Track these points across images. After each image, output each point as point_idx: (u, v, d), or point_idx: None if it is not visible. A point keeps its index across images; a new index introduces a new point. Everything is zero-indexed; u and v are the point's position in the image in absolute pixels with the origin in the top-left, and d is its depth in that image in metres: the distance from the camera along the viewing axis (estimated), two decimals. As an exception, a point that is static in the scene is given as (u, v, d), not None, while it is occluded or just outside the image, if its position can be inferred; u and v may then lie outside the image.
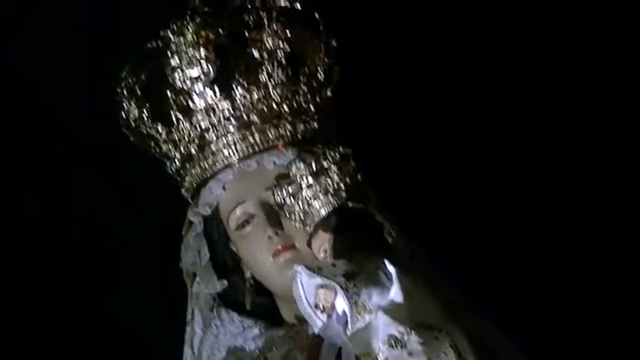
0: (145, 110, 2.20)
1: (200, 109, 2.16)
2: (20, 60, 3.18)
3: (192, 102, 2.16)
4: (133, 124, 2.23)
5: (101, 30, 2.94)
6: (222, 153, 2.18)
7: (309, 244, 2.16)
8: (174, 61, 2.16)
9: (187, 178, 2.23)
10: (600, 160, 3.23)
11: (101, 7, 3.00)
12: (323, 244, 2.14)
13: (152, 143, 2.23)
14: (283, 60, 2.16)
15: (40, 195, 3.24)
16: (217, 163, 2.19)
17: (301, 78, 2.20)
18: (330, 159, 2.13)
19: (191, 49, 2.15)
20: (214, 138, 2.17)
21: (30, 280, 3.32)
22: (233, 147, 2.18)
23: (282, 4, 2.20)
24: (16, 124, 3.20)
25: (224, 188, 2.20)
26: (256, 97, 2.16)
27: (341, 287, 2.02)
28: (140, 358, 3.11)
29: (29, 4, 3.18)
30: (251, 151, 2.17)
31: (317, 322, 2.08)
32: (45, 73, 3.15)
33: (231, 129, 2.16)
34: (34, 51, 3.15)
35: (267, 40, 2.16)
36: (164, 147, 2.22)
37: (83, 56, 3.06)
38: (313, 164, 2.13)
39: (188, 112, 2.17)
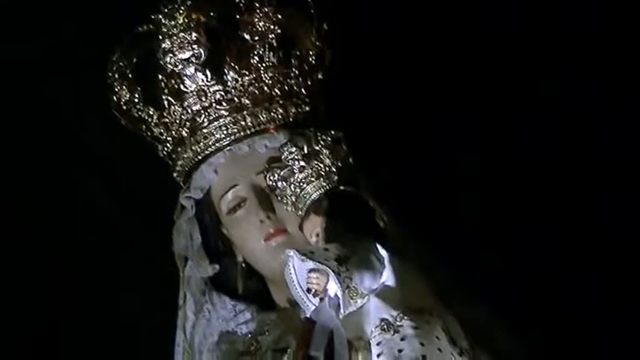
0: (136, 93, 2.22)
1: (191, 93, 2.18)
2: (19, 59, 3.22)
3: (184, 85, 2.18)
4: (124, 107, 2.25)
5: (97, 22, 2.94)
6: (214, 136, 2.20)
7: (300, 228, 2.16)
8: (166, 44, 2.17)
9: (179, 162, 2.25)
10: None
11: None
12: (315, 227, 2.14)
13: (144, 127, 2.24)
14: (274, 43, 2.18)
15: (41, 192, 3.21)
16: (209, 147, 2.20)
17: (293, 61, 2.21)
18: (322, 142, 2.14)
19: (182, 32, 2.16)
20: (206, 121, 2.19)
21: (31, 276, 3.27)
22: (225, 130, 2.19)
23: None
24: (15, 121, 3.16)
25: (216, 172, 2.22)
26: (248, 80, 2.17)
27: (333, 271, 2.02)
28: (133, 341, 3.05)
29: (28, 3, 3.20)
30: (242, 134, 2.18)
31: (309, 306, 2.09)
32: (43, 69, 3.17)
33: (223, 112, 2.17)
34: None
35: (259, 23, 2.18)
36: (155, 130, 2.24)
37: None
38: (305, 147, 2.14)
39: (179, 96, 2.19)
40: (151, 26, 2.22)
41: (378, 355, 2.04)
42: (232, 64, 2.18)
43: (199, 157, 2.23)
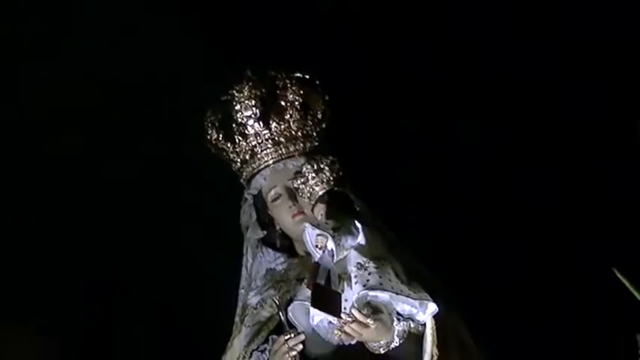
0: (220, 134, 2.95)
1: (251, 134, 2.92)
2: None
3: (247, 130, 2.92)
4: (214, 142, 2.96)
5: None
6: (264, 159, 2.93)
7: (312, 211, 2.85)
8: (237, 107, 2.91)
9: (244, 174, 2.98)
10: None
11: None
12: (320, 211, 2.83)
13: (224, 154, 2.97)
14: (298, 106, 2.91)
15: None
16: (260, 165, 2.94)
17: (308, 117, 2.94)
18: (324, 163, 2.83)
19: (246, 100, 2.91)
20: (259, 150, 2.92)
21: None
22: (269, 156, 2.93)
23: (298, 75, 2.94)
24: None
25: (264, 179, 2.94)
26: (283, 127, 2.91)
27: (331, 236, 2.77)
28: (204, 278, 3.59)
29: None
30: (279, 158, 2.91)
31: (317, 255, 2.79)
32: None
33: (269, 145, 2.92)
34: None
35: (289, 95, 2.92)
36: (231, 155, 2.96)
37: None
38: (315, 166, 2.83)
39: (244, 136, 2.92)
40: (229, 96, 2.94)
41: (355, 283, 2.73)
42: (274, 118, 2.91)
43: (255, 171, 2.96)
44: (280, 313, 2.84)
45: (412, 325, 2.74)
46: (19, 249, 3.72)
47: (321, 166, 2.83)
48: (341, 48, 3.70)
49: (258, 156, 2.96)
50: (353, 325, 2.65)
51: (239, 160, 2.99)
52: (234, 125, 2.93)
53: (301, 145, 2.96)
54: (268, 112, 2.91)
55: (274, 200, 2.96)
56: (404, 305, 2.75)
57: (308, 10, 3.69)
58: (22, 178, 3.65)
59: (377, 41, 3.74)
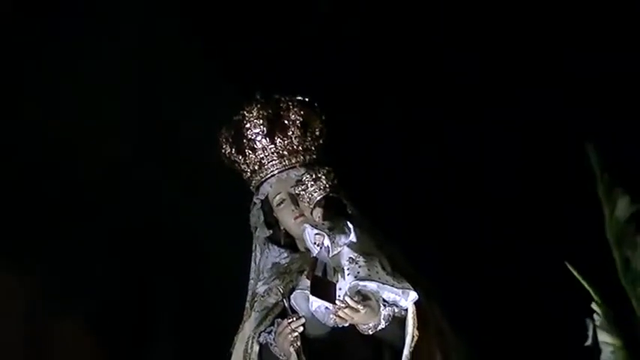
0: (233, 149, 3.20)
1: (259, 148, 3.17)
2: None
3: (255, 145, 3.17)
4: (227, 155, 3.22)
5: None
6: (270, 170, 3.18)
7: (311, 214, 3.10)
8: (247, 125, 3.17)
9: (253, 182, 3.23)
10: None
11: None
12: (318, 213, 3.09)
13: (236, 164, 3.21)
14: (299, 125, 3.17)
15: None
16: (267, 175, 3.19)
17: (308, 134, 3.19)
18: (321, 172, 3.09)
19: (255, 119, 3.16)
20: (266, 162, 3.17)
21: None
22: (275, 167, 3.18)
23: (299, 98, 3.20)
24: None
25: (270, 186, 3.18)
26: (286, 142, 3.16)
27: (327, 234, 3.03)
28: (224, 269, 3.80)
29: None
30: (283, 168, 3.16)
31: (315, 251, 3.04)
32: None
33: (275, 158, 3.16)
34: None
35: (291, 115, 3.18)
36: (242, 166, 3.21)
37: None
38: (313, 175, 3.10)
39: (253, 150, 3.17)
40: (240, 116, 3.19)
41: (348, 274, 3.00)
42: (279, 135, 3.15)
43: (263, 180, 3.20)
44: (284, 300, 3.12)
45: (396, 310, 3.04)
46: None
47: (319, 175, 3.12)
48: (341, 48, 3.87)
49: (265, 167, 3.23)
50: (346, 310, 2.95)
51: (249, 170, 3.26)
52: (244, 141, 3.21)
53: (302, 157, 3.23)
54: (274, 129, 3.19)
55: (279, 204, 3.23)
56: (389, 293, 3.05)
57: (308, 11, 3.87)
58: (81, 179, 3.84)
59: (377, 42, 3.89)
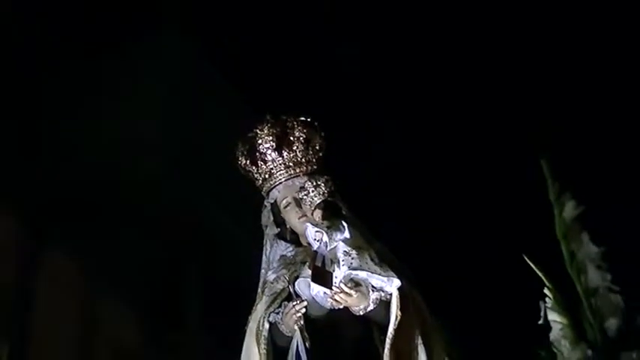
0: (248, 160, 3.71)
1: (269, 160, 3.69)
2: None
3: (266, 157, 3.69)
4: (242, 166, 3.72)
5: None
6: (278, 178, 3.70)
7: (312, 215, 3.61)
8: (259, 141, 3.70)
9: (264, 188, 3.74)
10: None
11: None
12: (318, 215, 3.59)
13: (250, 174, 3.72)
14: (302, 141, 3.69)
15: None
16: (276, 182, 3.71)
17: (310, 148, 3.69)
18: (321, 181, 3.59)
19: (266, 136, 3.69)
20: (275, 171, 3.69)
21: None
22: (282, 175, 3.69)
23: (302, 118, 3.72)
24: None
25: (278, 192, 3.70)
26: (292, 155, 3.68)
27: (325, 232, 3.54)
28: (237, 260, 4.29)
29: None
30: (289, 177, 3.68)
31: (315, 245, 3.56)
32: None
33: (282, 168, 3.68)
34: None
35: (296, 133, 3.70)
36: (255, 175, 3.72)
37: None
38: (314, 182, 3.60)
39: (265, 161, 3.69)
40: (253, 133, 3.72)
41: (342, 265, 3.43)
42: (286, 149, 3.67)
43: (272, 186, 3.73)
44: (290, 286, 3.59)
45: (382, 295, 3.50)
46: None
47: (319, 183, 3.64)
48: (341, 48, 4.37)
49: (274, 176, 3.76)
50: (341, 295, 3.45)
51: (261, 178, 3.81)
52: (257, 154, 3.74)
53: (305, 168, 3.75)
54: (281, 144, 3.70)
55: (285, 207, 3.76)
56: (377, 281, 3.51)
57: (308, 11, 4.30)
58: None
59: (377, 42, 4.35)
